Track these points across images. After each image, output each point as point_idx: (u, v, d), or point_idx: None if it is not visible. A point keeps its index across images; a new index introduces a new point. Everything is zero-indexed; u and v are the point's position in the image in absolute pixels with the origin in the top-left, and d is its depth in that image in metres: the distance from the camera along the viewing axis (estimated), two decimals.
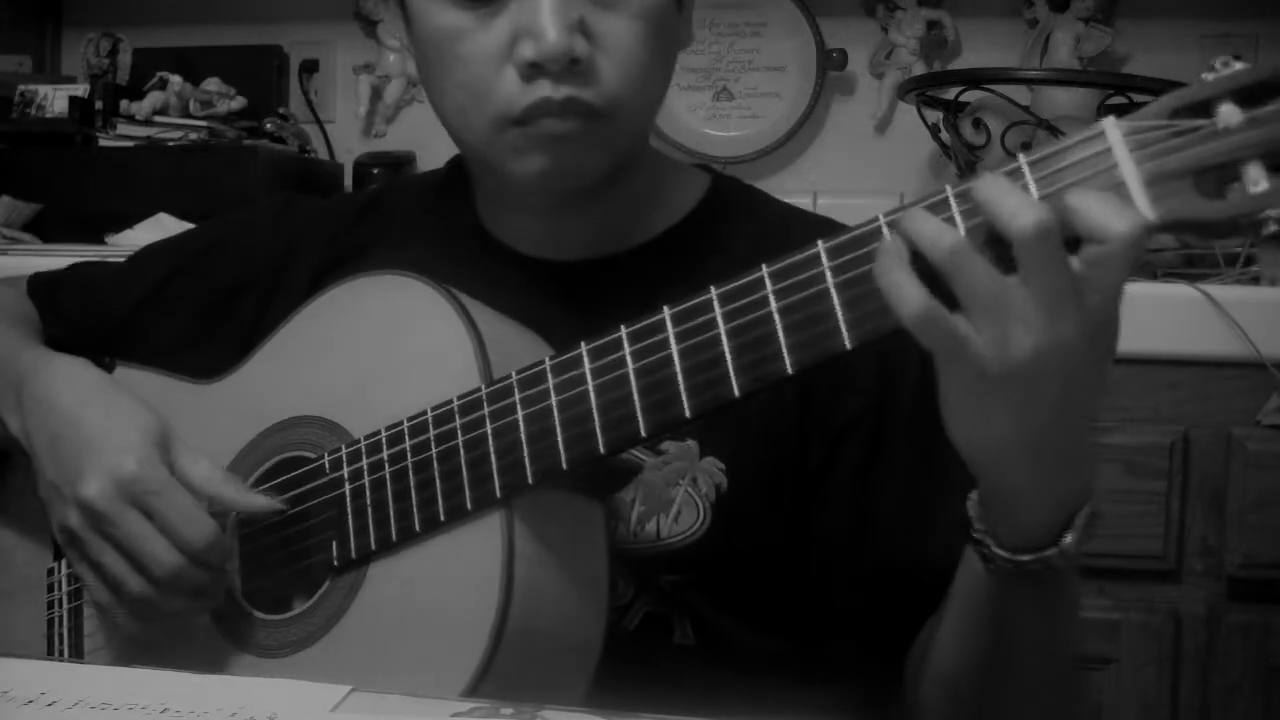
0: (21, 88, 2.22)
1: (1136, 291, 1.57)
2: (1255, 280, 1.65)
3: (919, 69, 2.23)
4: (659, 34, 0.93)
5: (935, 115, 2.03)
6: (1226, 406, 1.58)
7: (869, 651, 0.98)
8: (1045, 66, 2.12)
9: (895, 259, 0.69)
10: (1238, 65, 0.67)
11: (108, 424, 0.92)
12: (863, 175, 2.27)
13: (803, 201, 2.16)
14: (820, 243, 0.73)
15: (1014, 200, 0.67)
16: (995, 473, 0.75)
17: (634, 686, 0.80)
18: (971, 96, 1.95)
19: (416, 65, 0.98)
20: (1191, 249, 1.72)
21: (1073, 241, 0.67)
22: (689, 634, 0.97)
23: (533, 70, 0.89)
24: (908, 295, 0.68)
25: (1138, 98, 1.88)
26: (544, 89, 0.89)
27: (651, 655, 0.96)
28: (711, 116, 2.31)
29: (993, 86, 1.90)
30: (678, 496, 0.95)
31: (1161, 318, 1.54)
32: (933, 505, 0.94)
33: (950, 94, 1.98)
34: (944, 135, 2.02)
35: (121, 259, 1.20)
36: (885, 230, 0.71)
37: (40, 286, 1.17)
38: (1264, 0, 2.11)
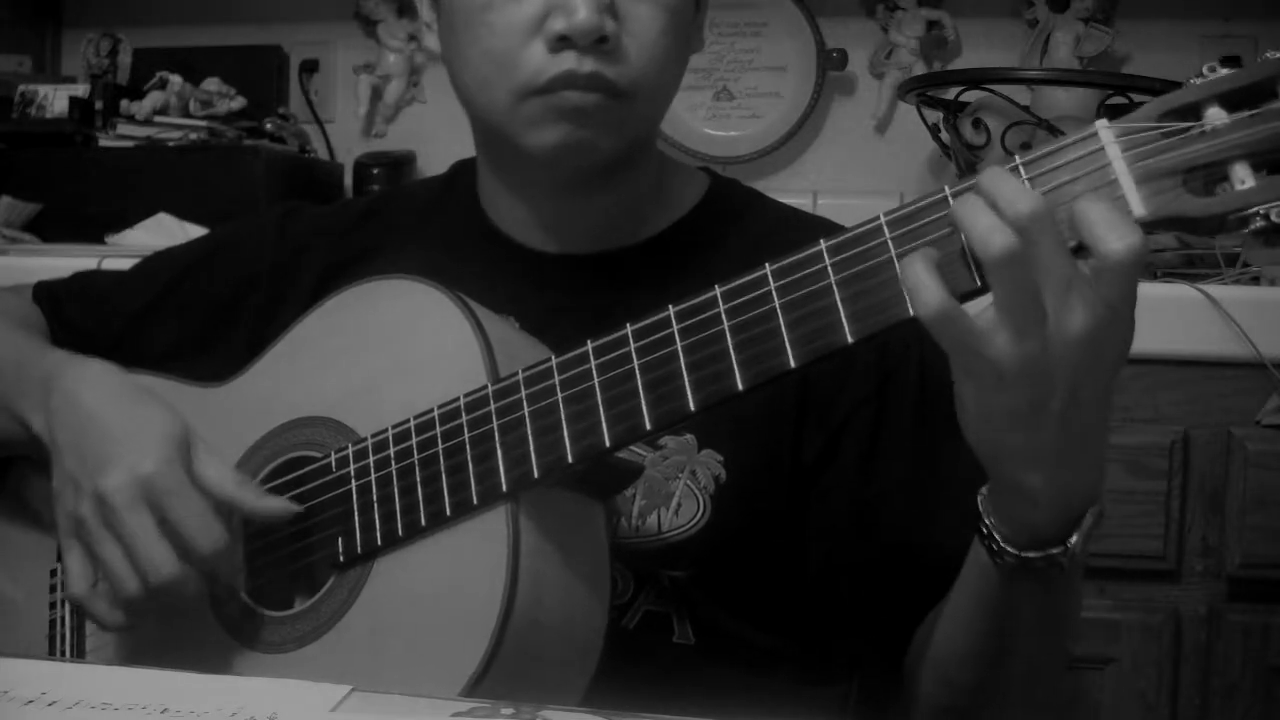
0: (21, 88, 2.22)
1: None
2: (1255, 280, 1.65)
3: (919, 69, 2.23)
4: (680, 28, 0.97)
5: (935, 115, 2.03)
6: (1226, 406, 1.58)
7: (871, 645, 0.99)
8: (1045, 66, 2.12)
9: (919, 256, 0.71)
10: (1224, 71, 0.69)
11: (132, 424, 0.92)
12: (863, 175, 2.27)
13: (803, 201, 2.17)
14: (822, 241, 0.75)
15: (1011, 187, 0.69)
16: (1008, 472, 0.76)
17: (634, 685, 0.81)
18: (971, 96, 1.95)
19: (439, 35, 1.01)
20: (1191, 249, 1.72)
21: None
22: (689, 634, 0.97)
23: (561, 43, 0.92)
24: (928, 292, 0.70)
25: (1138, 98, 1.88)
26: (569, 61, 0.92)
27: (651, 654, 0.96)
28: (711, 116, 2.31)
29: (993, 86, 1.90)
30: (677, 490, 0.96)
31: (1161, 318, 1.54)
32: (936, 496, 0.95)
33: (950, 94, 1.98)
34: (944, 135, 2.02)
35: (121, 259, 1.20)
36: (885, 227, 0.73)
37: (46, 294, 1.17)
38: (1264, 0, 2.11)
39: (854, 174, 2.28)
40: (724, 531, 0.96)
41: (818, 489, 0.98)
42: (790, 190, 2.20)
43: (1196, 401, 1.58)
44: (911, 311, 0.72)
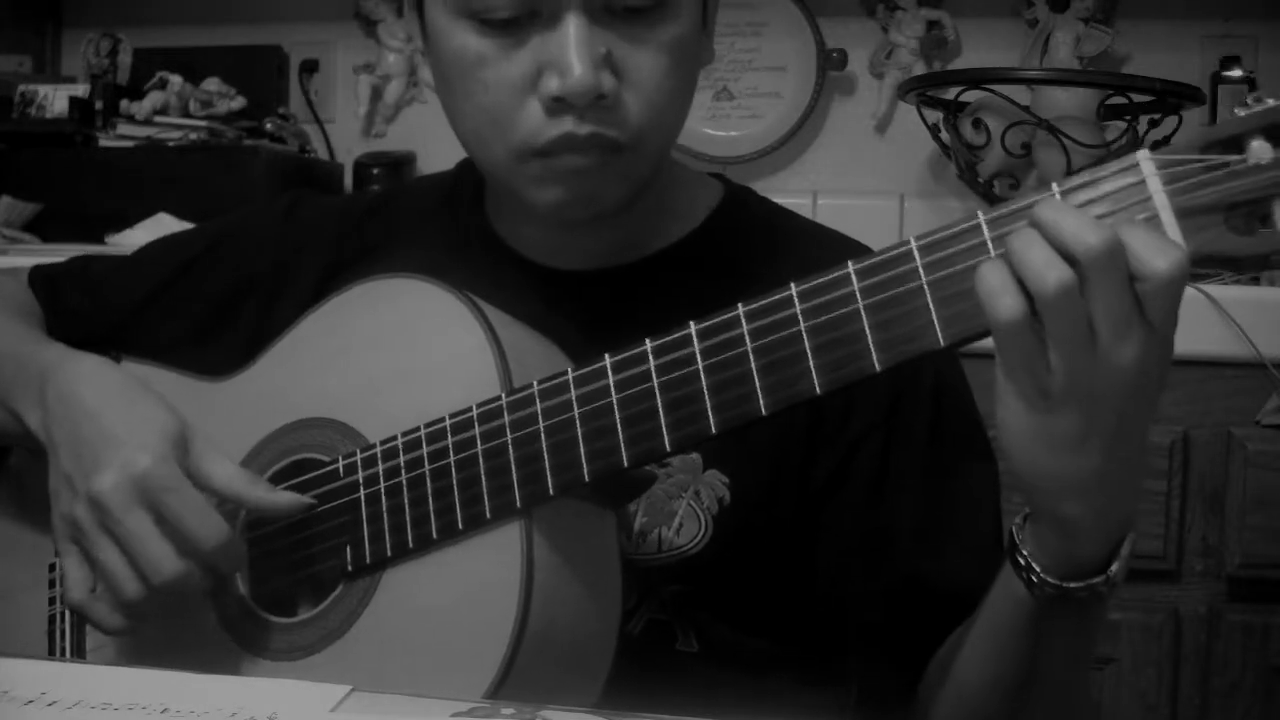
0: (21, 88, 2.23)
1: None
2: (1255, 280, 1.65)
3: (919, 69, 2.23)
4: (685, 63, 0.92)
5: (935, 115, 2.03)
6: (1226, 406, 1.58)
7: (880, 666, 0.98)
8: (1045, 66, 2.12)
9: (997, 263, 0.69)
10: (1270, 102, 0.67)
11: (128, 421, 0.90)
12: (863, 175, 2.27)
13: (803, 201, 2.17)
14: (850, 263, 0.73)
15: (1075, 219, 0.67)
16: (1048, 502, 0.75)
17: (638, 689, 0.80)
18: (971, 96, 1.95)
19: (434, 79, 0.96)
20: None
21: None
22: (692, 642, 0.97)
23: (557, 105, 0.87)
24: (1007, 300, 0.67)
25: (1137, 98, 1.88)
26: (567, 124, 0.87)
27: (655, 660, 0.95)
28: (711, 116, 2.31)
29: (993, 86, 1.90)
30: (680, 509, 0.94)
31: None
32: (951, 521, 0.94)
33: (950, 94, 1.98)
34: (944, 135, 2.02)
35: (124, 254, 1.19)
36: (916, 252, 0.71)
37: (43, 279, 1.16)
38: (1264, 0, 2.11)
39: (854, 174, 2.28)
40: (725, 553, 0.94)
41: (827, 512, 0.96)
42: (790, 190, 2.20)
43: (1196, 401, 1.58)
44: (942, 341, 0.70)
